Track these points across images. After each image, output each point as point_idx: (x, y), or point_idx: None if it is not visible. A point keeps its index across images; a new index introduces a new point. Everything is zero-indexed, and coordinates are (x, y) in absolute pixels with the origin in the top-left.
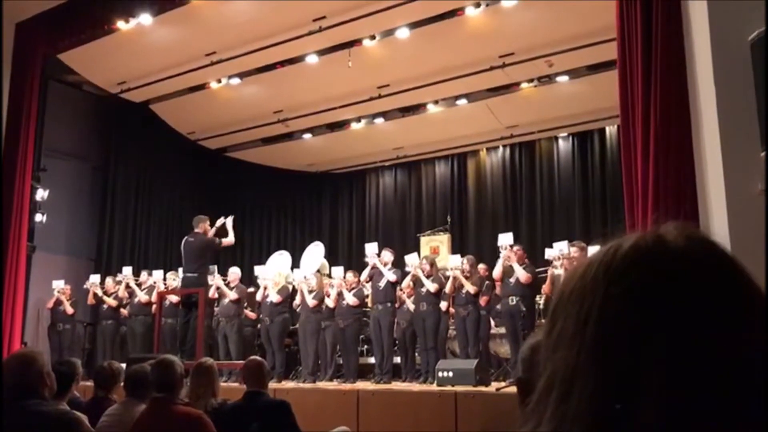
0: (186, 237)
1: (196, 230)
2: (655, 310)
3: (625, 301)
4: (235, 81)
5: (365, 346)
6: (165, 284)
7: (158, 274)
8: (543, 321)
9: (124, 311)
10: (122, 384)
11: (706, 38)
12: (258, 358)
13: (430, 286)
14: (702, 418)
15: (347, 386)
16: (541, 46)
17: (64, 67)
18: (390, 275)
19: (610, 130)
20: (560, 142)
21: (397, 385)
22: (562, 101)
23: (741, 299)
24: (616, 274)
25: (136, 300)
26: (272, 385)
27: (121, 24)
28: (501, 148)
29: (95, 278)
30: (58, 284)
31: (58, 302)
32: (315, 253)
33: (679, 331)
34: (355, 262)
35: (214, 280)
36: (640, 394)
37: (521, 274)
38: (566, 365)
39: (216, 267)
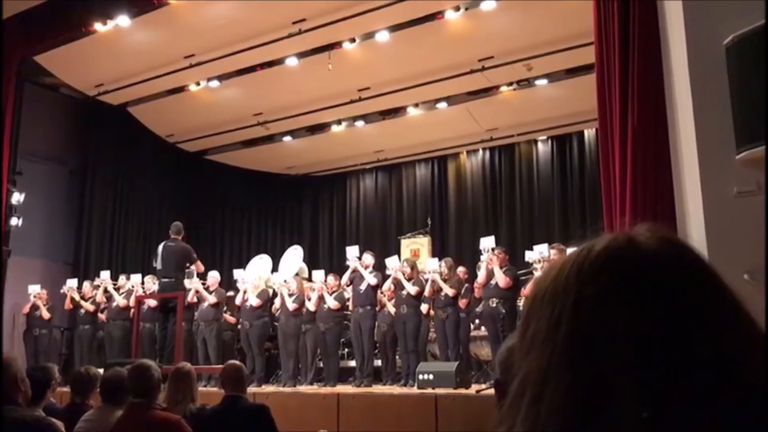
0: (165, 241)
1: (174, 236)
2: (625, 312)
3: (597, 302)
4: (215, 83)
5: (346, 350)
6: (143, 288)
7: (136, 278)
8: None
9: (102, 316)
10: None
11: (683, 43)
12: (236, 362)
13: (411, 289)
14: (673, 421)
15: (328, 390)
16: (521, 50)
17: (40, 69)
18: (371, 278)
19: (589, 133)
20: (539, 145)
21: (378, 389)
22: (542, 104)
23: (711, 301)
24: (588, 275)
25: (114, 304)
26: (252, 389)
27: (98, 26)
28: (481, 151)
29: (72, 282)
30: (35, 289)
31: (35, 307)
32: (294, 256)
33: (649, 333)
34: (336, 266)
35: (193, 283)
36: (612, 396)
37: (501, 278)
38: (539, 367)
39: (195, 271)
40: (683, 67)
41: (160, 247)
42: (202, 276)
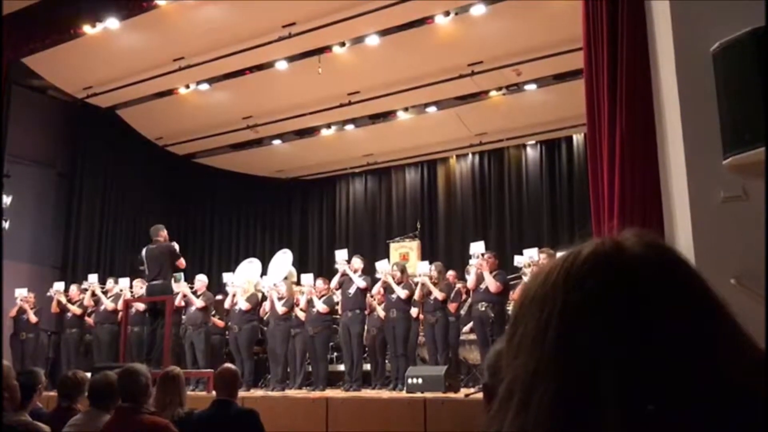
0: (147, 246)
1: (155, 239)
2: (612, 317)
3: (584, 307)
4: (204, 87)
5: (335, 354)
6: (131, 292)
7: (124, 281)
8: None
9: (89, 319)
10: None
11: (671, 49)
12: (232, 366)
13: (401, 292)
14: (660, 426)
15: (316, 394)
16: (510, 55)
17: (28, 71)
18: (360, 282)
19: (577, 138)
20: (528, 149)
21: (367, 393)
22: (530, 109)
23: (697, 305)
24: (574, 280)
25: (102, 308)
26: (241, 393)
27: (87, 28)
28: (470, 156)
29: (59, 286)
30: (21, 292)
31: (21, 311)
32: (282, 260)
33: (635, 338)
34: (325, 269)
35: (180, 287)
36: (599, 400)
37: (491, 283)
38: (526, 371)
39: (182, 274)
40: (671, 73)
41: (143, 252)
42: (189, 278)
